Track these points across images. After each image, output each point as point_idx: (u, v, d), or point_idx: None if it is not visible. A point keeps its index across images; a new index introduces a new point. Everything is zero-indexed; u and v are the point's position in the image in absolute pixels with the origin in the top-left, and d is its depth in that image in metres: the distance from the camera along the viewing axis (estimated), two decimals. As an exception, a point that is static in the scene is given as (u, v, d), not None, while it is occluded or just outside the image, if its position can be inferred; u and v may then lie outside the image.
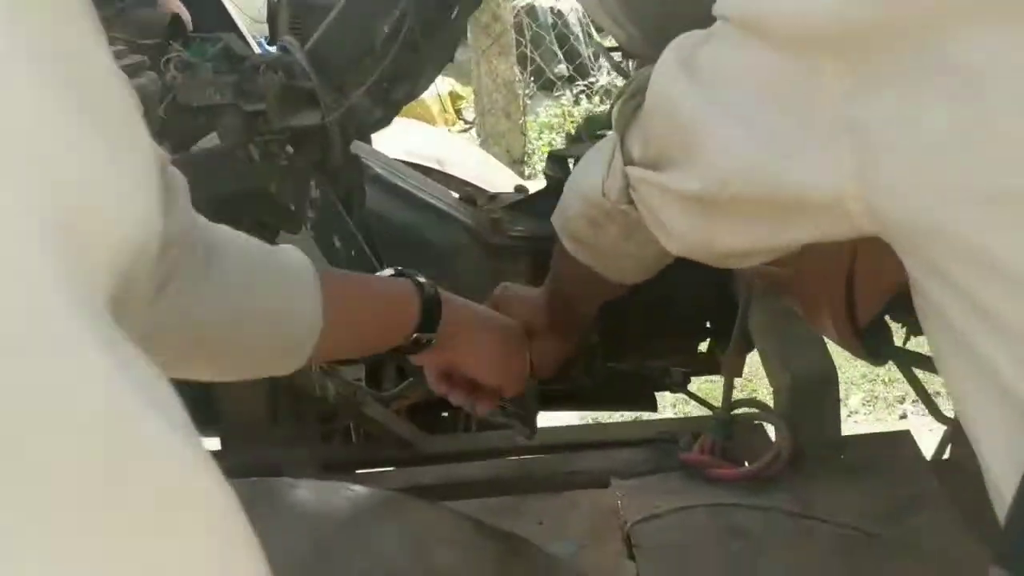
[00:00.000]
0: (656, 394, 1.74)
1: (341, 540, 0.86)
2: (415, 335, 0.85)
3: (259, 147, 0.94)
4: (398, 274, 0.88)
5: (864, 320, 0.79)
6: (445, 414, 1.80)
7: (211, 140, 1.00)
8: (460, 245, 1.40)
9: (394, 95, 1.05)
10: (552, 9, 4.98)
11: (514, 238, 1.43)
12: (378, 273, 0.90)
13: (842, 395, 2.75)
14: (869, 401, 2.75)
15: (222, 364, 0.77)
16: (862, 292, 0.76)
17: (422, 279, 0.87)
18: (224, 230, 0.72)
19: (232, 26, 1.70)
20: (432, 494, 1.20)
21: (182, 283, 0.64)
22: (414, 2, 0.94)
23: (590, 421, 2.49)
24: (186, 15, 1.24)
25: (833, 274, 0.77)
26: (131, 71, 0.90)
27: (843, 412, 2.72)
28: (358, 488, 0.93)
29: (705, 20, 1.35)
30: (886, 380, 2.84)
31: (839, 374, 2.81)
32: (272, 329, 0.74)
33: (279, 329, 0.74)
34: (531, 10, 4.94)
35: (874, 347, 0.83)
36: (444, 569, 0.86)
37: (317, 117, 0.95)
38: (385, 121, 1.09)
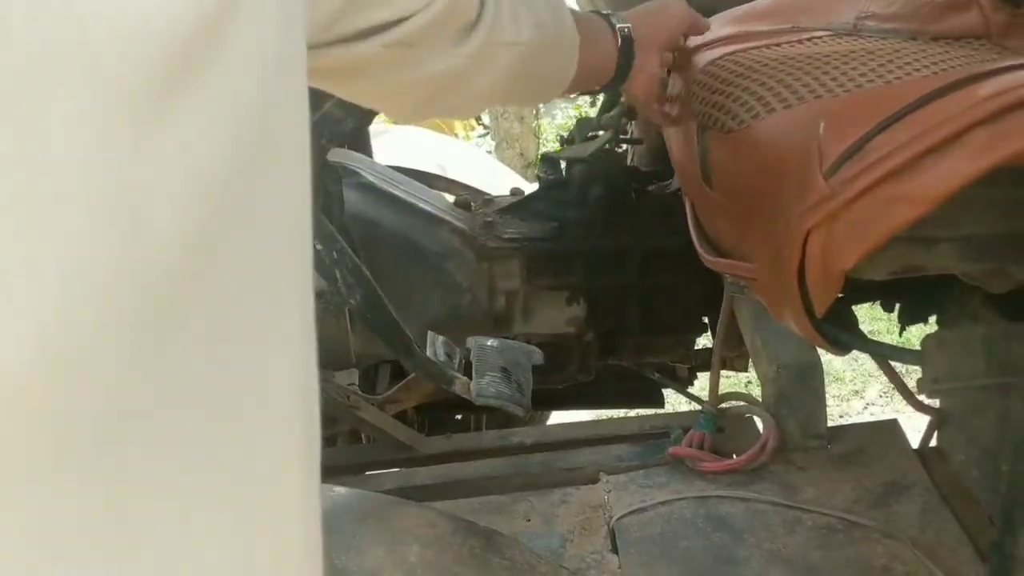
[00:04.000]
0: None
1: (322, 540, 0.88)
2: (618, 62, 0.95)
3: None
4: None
5: (820, 311, 0.80)
6: (459, 416, 1.83)
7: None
8: (452, 249, 1.42)
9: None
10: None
11: (508, 240, 1.45)
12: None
13: (859, 387, 2.75)
14: (887, 392, 2.73)
15: (516, 93, 0.90)
16: (813, 284, 0.77)
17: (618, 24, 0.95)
18: None
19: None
20: (428, 494, 1.23)
21: (493, 19, 0.75)
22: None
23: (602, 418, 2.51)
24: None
25: (785, 269, 0.78)
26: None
27: (860, 404, 2.72)
28: (339, 489, 0.95)
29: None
30: (904, 371, 2.82)
31: (857, 367, 2.80)
32: (559, 44, 0.86)
33: (562, 45, 0.86)
34: None
35: (833, 337, 0.84)
36: (421, 566, 0.88)
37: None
38: (359, 130, 1.11)
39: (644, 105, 1.04)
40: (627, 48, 0.94)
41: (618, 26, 0.94)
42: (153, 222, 0.28)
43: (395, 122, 4.40)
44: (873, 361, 1.26)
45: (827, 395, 2.70)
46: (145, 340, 0.29)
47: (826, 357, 3.00)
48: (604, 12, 0.96)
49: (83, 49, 0.26)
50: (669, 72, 1.03)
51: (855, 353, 2.68)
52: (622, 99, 1.69)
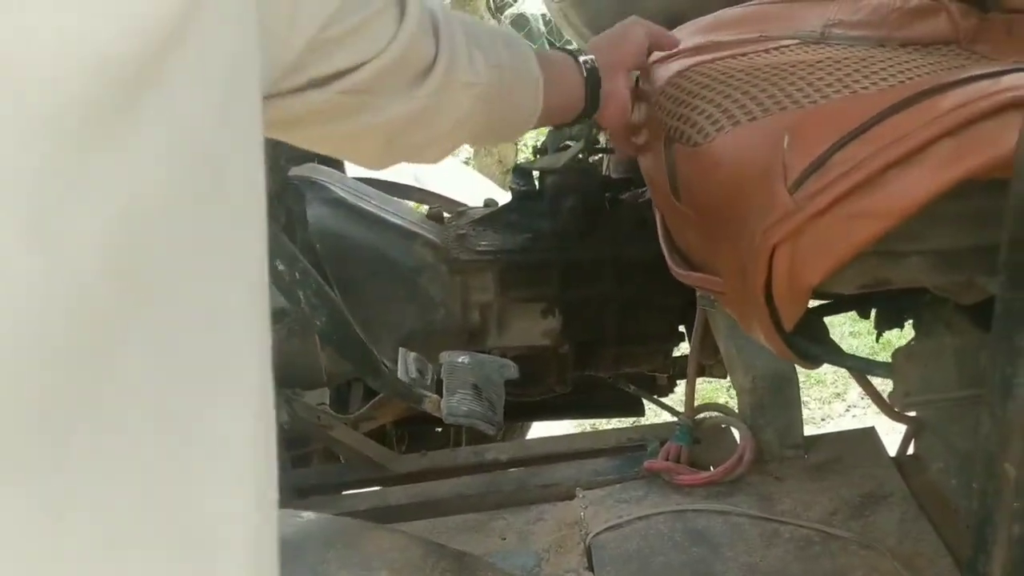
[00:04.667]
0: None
1: (288, 567, 0.86)
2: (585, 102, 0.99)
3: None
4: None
5: (789, 325, 0.79)
6: (439, 429, 1.82)
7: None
8: (425, 263, 1.41)
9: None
10: (543, 16, 4.99)
11: (481, 253, 1.44)
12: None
13: (841, 389, 2.75)
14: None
15: (481, 132, 0.90)
16: (780, 299, 0.76)
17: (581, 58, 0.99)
18: (459, 21, 0.80)
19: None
20: (402, 514, 1.21)
21: (448, 62, 0.76)
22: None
23: (588, 428, 2.50)
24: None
25: (753, 285, 0.77)
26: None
27: (841, 406, 2.72)
28: (307, 514, 0.93)
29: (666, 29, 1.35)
30: (881, 380, 2.82)
31: (838, 369, 2.80)
32: (520, 86, 0.88)
33: (524, 87, 0.89)
34: (520, 17, 4.95)
35: (804, 350, 0.82)
36: (390, 592, 0.86)
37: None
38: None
39: (616, 134, 1.07)
40: (593, 79, 0.98)
41: (581, 59, 0.98)
42: (79, 251, 0.27)
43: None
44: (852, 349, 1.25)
45: (809, 397, 2.71)
46: (69, 376, 0.27)
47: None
48: (568, 48, 1.00)
49: (8, 73, 0.25)
50: (635, 96, 1.06)
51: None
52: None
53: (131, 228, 0.28)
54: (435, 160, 0.88)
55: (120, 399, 0.29)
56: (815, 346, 0.85)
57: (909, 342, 0.87)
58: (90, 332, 0.28)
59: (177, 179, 0.30)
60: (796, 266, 0.74)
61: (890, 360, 0.85)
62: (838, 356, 0.86)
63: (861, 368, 0.92)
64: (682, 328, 1.54)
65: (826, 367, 2.72)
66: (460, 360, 1.11)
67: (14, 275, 0.25)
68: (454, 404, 1.05)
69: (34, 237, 0.26)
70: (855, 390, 2.83)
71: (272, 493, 0.39)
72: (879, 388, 1.19)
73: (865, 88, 0.86)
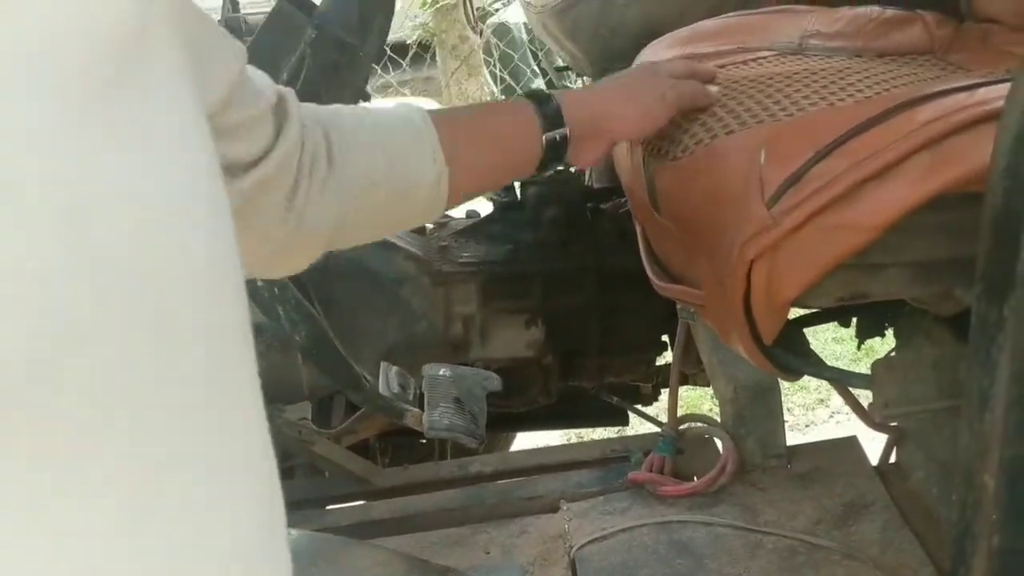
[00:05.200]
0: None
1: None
2: (545, 157, 0.86)
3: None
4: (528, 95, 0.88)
5: (768, 339, 0.79)
6: (423, 441, 1.81)
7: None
8: (407, 275, 1.40)
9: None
10: (525, 25, 4.99)
11: (463, 264, 1.43)
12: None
13: (824, 395, 2.75)
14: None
15: (367, 231, 0.82)
16: (759, 312, 0.76)
17: (543, 93, 0.87)
18: (349, 114, 0.76)
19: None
20: (386, 528, 1.21)
21: (310, 186, 0.69)
22: (310, 46, 0.95)
23: (573, 438, 2.49)
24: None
25: (731, 298, 0.77)
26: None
27: (825, 412, 2.72)
28: (291, 532, 0.93)
29: (639, 39, 1.36)
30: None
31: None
32: (402, 184, 0.77)
33: (408, 182, 0.77)
34: (502, 26, 4.96)
35: (783, 362, 0.83)
36: (372, 609, 0.86)
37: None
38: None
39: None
40: (554, 155, 0.86)
41: (546, 137, 0.84)
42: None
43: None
44: (835, 357, 1.25)
45: (793, 404, 2.72)
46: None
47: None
48: (549, 105, 0.85)
49: None
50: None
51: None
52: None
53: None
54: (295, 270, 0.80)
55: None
56: (795, 358, 0.85)
57: (888, 353, 0.88)
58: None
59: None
60: (774, 280, 0.75)
61: (869, 372, 0.86)
62: (817, 368, 0.86)
63: (841, 380, 0.92)
64: (665, 337, 1.54)
65: (809, 373, 2.70)
66: (441, 373, 1.10)
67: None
68: (436, 418, 1.05)
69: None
70: (839, 397, 2.84)
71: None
72: (860, 397, 1.19)
73: (842, 100, 0.87)
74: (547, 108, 0.85)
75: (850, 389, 1.15)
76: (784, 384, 1.33)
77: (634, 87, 0.93)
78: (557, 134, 0.84)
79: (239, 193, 0.63)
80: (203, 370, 0.33)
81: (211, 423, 0.33)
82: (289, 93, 0.68)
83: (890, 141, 0.71)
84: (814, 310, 1.00)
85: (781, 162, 0.75)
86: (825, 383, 2.81)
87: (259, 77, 0.64)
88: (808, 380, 2.83)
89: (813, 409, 2.73)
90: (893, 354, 0.97)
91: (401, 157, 0.77)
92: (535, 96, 0.86)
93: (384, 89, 4.40)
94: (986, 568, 0.64)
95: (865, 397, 1.03)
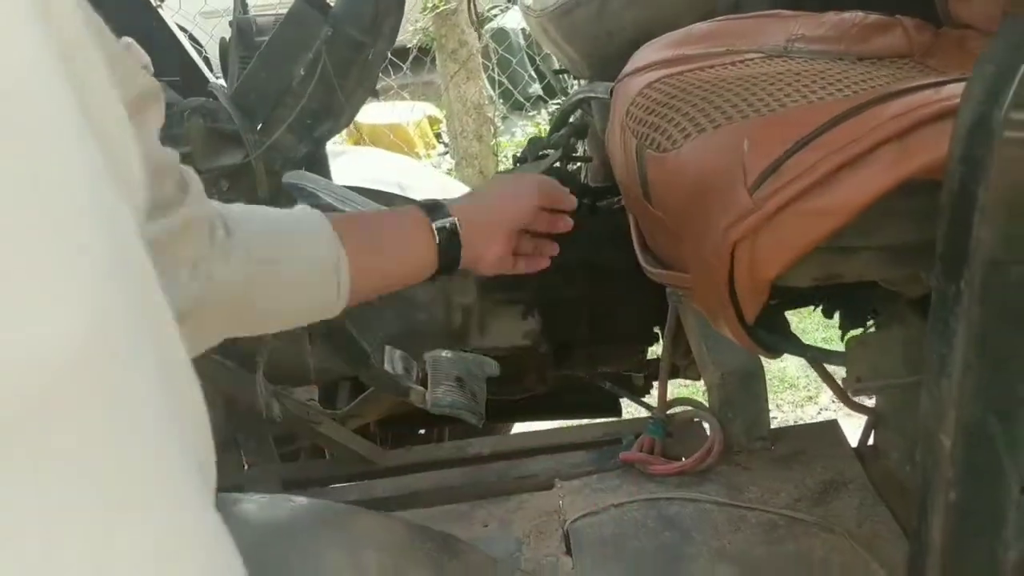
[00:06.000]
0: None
1: (280, 548, 0.92)
2: (440, 250, 0.90)
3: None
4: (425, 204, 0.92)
5: (751, 317, 0.85)
6: (422, 431, 1.87)
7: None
8: (409, 266, 1.46)
9: (317, 131, 1.12)
10: (523, 31, 5.07)
11: (462, 257, 1.49)
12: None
13: (813, 393, 2.82)
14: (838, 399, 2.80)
15: (267, 320, 0.84)
16: (742, 293, 0.83)
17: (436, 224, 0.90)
18: (238, 206, 0.79)
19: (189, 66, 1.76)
20: (388, 505, 1.27)
21: (212, 257, 0.71)
22: (326, 44, 1.01)
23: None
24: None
25: (717, 279, 0.83)
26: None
27: (814, 409, 2.78)
28: (299, 500, 0.99)
29: (635, 42, 1.42)
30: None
31: (810, 373, 2.88)
32: (302, 265, 0.80)
33: (308, 262, 0.80)
34: (500, 31, 5.03)
35: (765, 341, 0.89)
36: (379, 570, 0.92)
37: (241, 156, 1.03)
38: (313, 153, 1.16)
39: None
40: (449, 245, 0.90)
41: (435, 225, 0.89)
42: None
43: (355, 142, 4.42)
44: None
45: (782, 401, 2.78)
46: None
47: (780, 364, 3.06)
48: (433, 203, 0.92)
49: None
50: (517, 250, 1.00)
51: (803, 364, 2.72)
52: (572, 119, 1.75)
53: None
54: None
55: None
56: (776, 338, 0.91)
57: (862, 332, 0.94)
58: None
59: None
60: (756, 261, 0.81)
61: (844, 349, 0.92)
62: (796, 346, 0.92)
63: (817, 357, 0.99)
64: (657, 329, 1.60)
65: (798, 372, 2.78)
66: (444, 355, 1.16)
67: None
68: (439, 395, 1.11)
69: None
70: (827, 394, 2.90)
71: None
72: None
73: (821, 98, 0.93)
74: (430, 205, 0.91)
75: (831, 374, 1.21)
76: (774, 382, 1.39)
77: (508, 182, 1.01)
78: (447, 222, 0.89)
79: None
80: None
81: None
82: (188, 170, 0.70)
83: (862, 133, 0.77)
84: (793, 295, 1.06)
85: (763, 152, 0.81)
86: (814, 381, 2.88)
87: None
88: (797, 379, 2.89)
89: (802, 406, 2.79)
90: (867, 334, 1.03)
91: (299, 237, 0.80)
92: (421, 204, 0.92)
93: (385, 92, 4.47)
94: (944, 522, 0.70)
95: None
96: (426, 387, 1.17)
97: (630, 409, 1.88)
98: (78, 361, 0.26)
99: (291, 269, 0.80)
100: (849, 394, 0.91)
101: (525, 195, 0.98)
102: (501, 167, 4.42)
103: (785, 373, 2.87)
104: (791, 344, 0.92)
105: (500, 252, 0.95)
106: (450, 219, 0.90)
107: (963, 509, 0.69)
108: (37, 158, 0.27)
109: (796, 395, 2.82)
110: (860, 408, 1.22)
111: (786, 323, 0.97)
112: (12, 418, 0.25)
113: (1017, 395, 0.66)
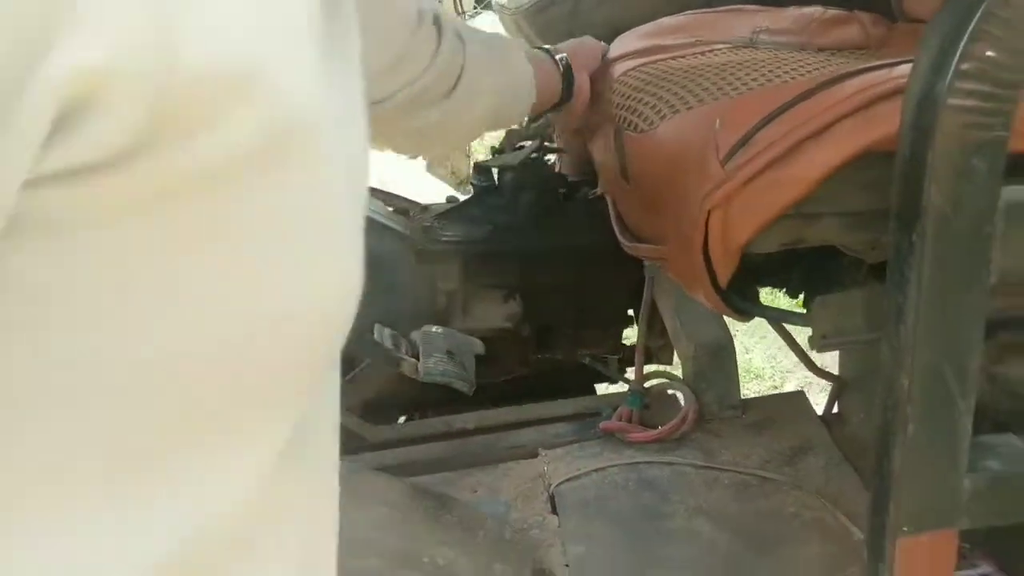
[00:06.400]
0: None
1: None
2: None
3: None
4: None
5: (724, 281, 0.92)
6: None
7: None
8: (395, 252, 1.52)
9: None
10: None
11: (445, 243, 1.56)
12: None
13: (778, 383, 2.91)
14: (804, 386, 2.90)
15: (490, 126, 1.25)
16: (716, 259, 0.90)
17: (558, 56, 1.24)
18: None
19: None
20: (379, 476, 1.33)
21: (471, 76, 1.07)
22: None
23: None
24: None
25: (692, 247, 0.90)
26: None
27: (779, 397, 2.88)
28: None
29: (608, 39, 1.49)
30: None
31: (775, 364, 2.96)
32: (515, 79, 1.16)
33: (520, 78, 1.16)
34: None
35: (737, 305, 0.96)
36: (381, 521, 0.98)
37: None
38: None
39: (575, 122, 1.31)
40: (568, 74, 1.23)
41: (558, 57, 1.23)
42: None
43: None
44: (788, 349, 1.39)
45: (748, 391, 2.87)
46: None
47: (747, 356, 3.13)
48: (545, 47, 1.27)
49: None
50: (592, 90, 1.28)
51: (774, 351, 2.81)
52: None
53: None
54: (455, 147, 1.20)
55: None
56: (746, 302, 0.99)
57: (824, 294, 1.01)
58: None
59: None
60: (728, 228, 0.88)
61: (806, 311, 1.00)
62: (764, 309, 1.00)
63: (783, 318, 1.06)
64: (631, 312, 1.68)
65: (764, 363, 2.85)
66: (434, 330, 1.23)
67: None
68: (431, 366, 1.18)
69: None
70: (791, 383, 3.00)
71: None
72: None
73: (784, 81, 1.01)
74: (543, 50, 1.26)
75: (797, 344, 1.29)
76: (740, 372, 1.48)
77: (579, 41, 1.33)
78: (563, 58, 1.23)
79: (408, 95, 1.05)
80: None
81: None
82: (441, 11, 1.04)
83: (823, 109, 0.85)
84: (761, 269, 1.13)
85: (733, 128, 0.89)
86: (779, 372, 2.98)
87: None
88: (763, 368, 2.99)
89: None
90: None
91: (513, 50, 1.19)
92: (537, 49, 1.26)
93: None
94: (904, 454, 0.78)
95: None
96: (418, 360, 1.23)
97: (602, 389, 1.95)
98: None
99: (516, 77, 1.15)
100: (816, 351, 0.99)
101: (591, 43, 1.31)
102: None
103: (751, 364, 2.97)
104: (759, 307, 0.99)
105: (586, 91, 1.25)
106: (563, 55, 1.23)
107: (921, 441, 0.77)
108: None
109: (762, 385, 2.92)
110: (825, 375, 1.30)
111: (756, 291, 1.05)
112: None
113: (965, 336, 0.74)
